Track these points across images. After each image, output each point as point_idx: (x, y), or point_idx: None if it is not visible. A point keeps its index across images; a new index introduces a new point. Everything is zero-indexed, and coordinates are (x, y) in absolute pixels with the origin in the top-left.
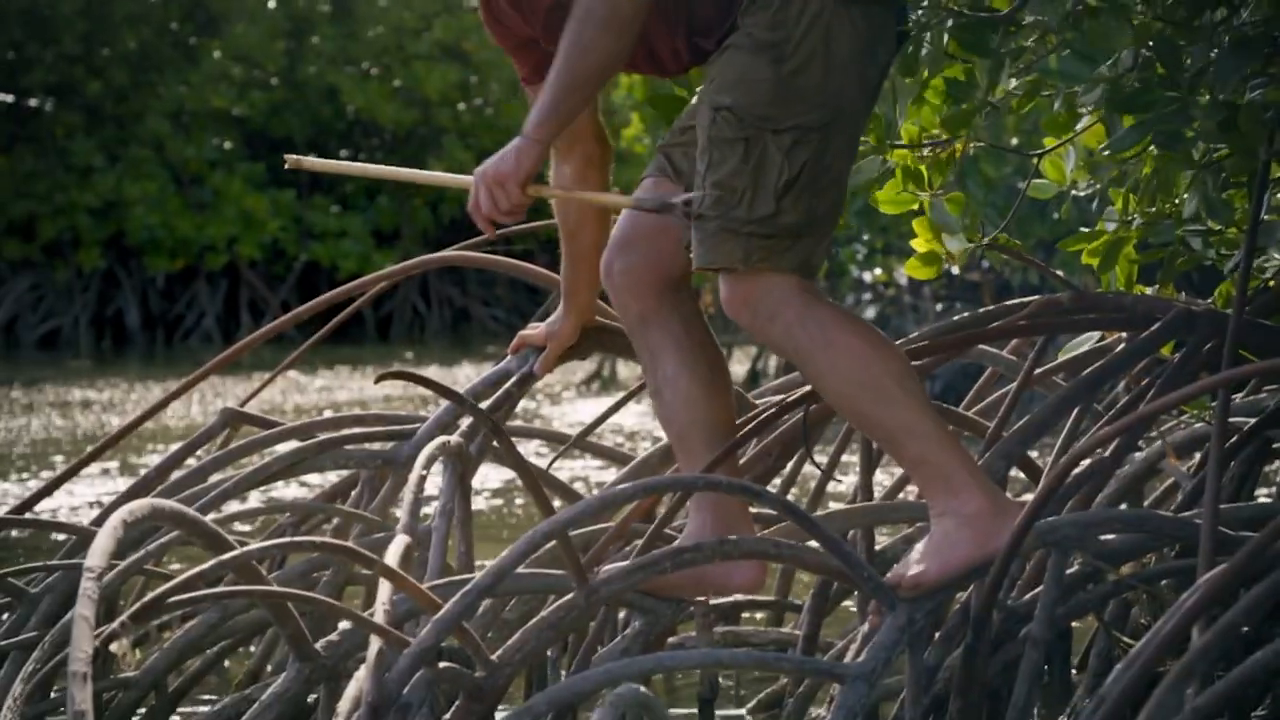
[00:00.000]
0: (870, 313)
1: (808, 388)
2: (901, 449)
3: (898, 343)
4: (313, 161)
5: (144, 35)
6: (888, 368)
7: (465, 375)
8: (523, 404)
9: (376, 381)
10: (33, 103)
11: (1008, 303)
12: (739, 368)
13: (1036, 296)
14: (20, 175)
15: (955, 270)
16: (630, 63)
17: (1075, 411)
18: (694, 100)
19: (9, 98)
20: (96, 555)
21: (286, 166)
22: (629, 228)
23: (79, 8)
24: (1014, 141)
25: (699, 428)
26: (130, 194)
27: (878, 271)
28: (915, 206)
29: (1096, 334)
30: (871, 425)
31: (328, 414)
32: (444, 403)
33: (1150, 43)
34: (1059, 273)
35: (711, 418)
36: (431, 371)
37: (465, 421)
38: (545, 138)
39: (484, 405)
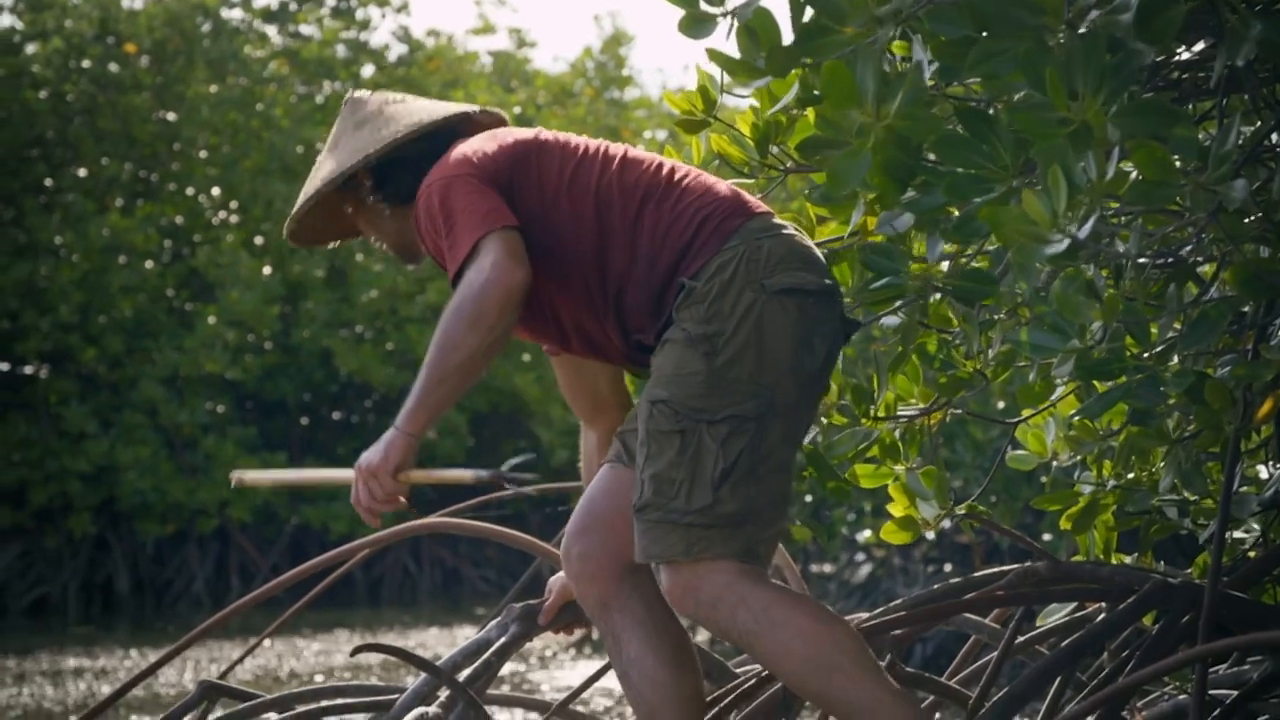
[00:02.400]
0: (861, 574)
1: None
2: None
3: (882, 609)
4: (255, 476)
5: (140, 303)
6: (839, 644)
7: (464, 635)
8: (513, 667)
9: (352, 654)
10: (28, 370)
11: (987, 571)
12: None
13: (1018, 565)
14: (12, 442)
15: (930, 535)
16: (577, 349)
17: (1057, 681)
18: None
19: (3, 365)
20: None
21: (234, 486)
22: (584, 514)
23: (76, 278)
24: (1000, 405)
25: (668, 707)
26: (122, 459)
27: (868, 533)
28: (889, 480)
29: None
30: (828, 702)
31: (320, 679)
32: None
33: (1118, 316)
34: (1045, 537)
35: (680, 695)
36: (423, 634)
37: (445, 692)
38: (416, 430)
39: (463, 675)
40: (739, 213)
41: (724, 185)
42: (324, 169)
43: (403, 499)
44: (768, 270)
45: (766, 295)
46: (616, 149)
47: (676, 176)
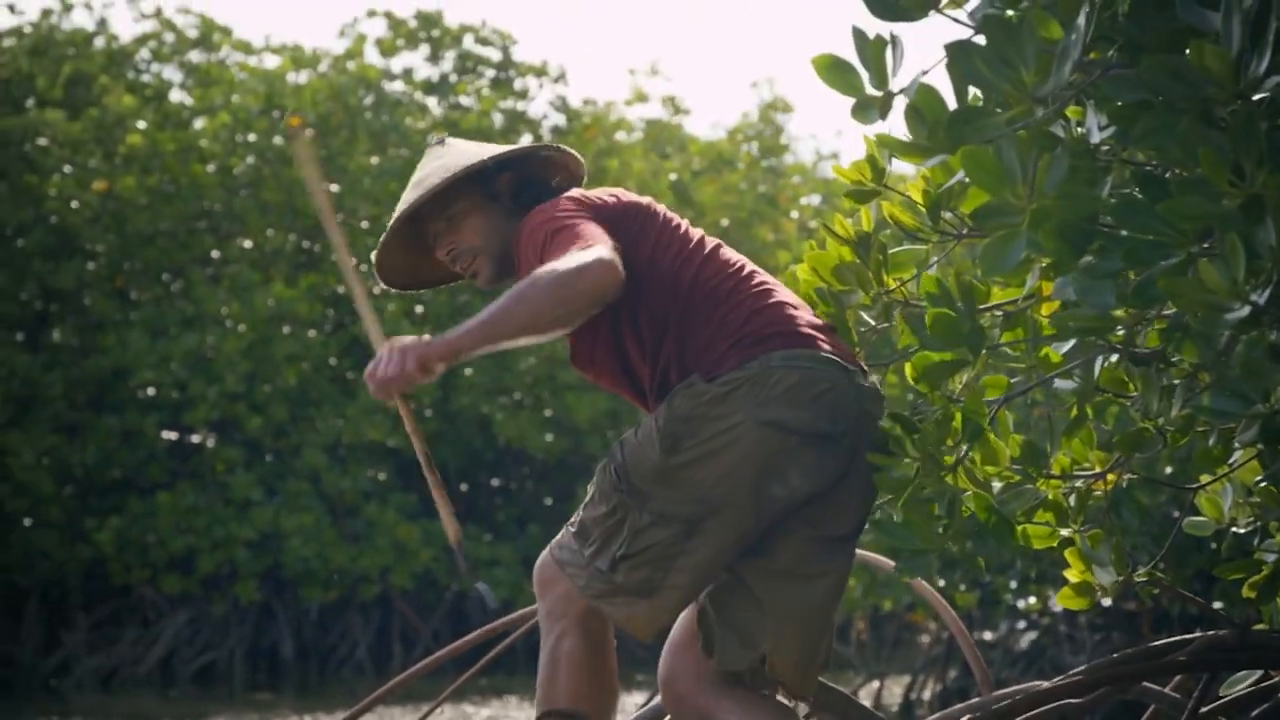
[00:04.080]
0: (1025, 641)
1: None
2: None
3: (1062, 676)
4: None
5: (303, 372)
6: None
7: (633, 703)
8: None
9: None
10: (195, 439)
11: (1169, 640)
12: (892, 696)
13: (1194, 631)
14: (181, 510)
15: (1107, 603)
16: (596, 371)
17: None
18: None
19: (173, 435)
20: None
21: (289, 130)
22: (666, 645)
23: (242, 348)
24: (1168, 470)
25: None
26: (287, 526)
27: (1031, 599)
28: (1056, 543)
29: (1259, 670)
30: None
31: None
32: None
33: None
34: (1216, 605)
35: None
36: None
37: None
38: (459, 348)
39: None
40: (777, 337)
41: (790, 304)
42: (430, 180)
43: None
44: (765, 399)
45: (751, 421)
46: (710, 243)
47: (751, 284)
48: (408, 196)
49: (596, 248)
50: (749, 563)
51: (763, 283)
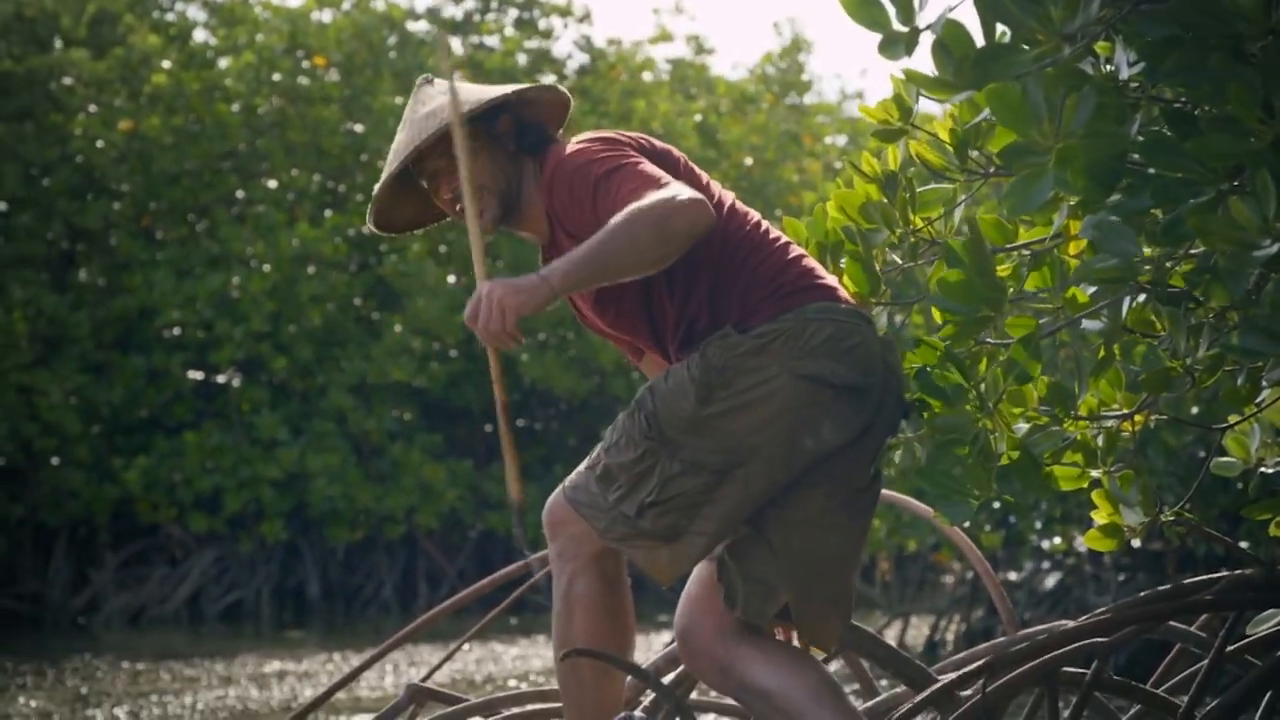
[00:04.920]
0: (1050, 582)
1: (988, 659)
2: None
3: (1088, 615)
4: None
5: (328, 312)
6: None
7: (660, 640)
8: None
9: (562, 659)
10: (220, 379)
11: (1196, 579)
12: (917, 636)
13: (1222, 571)
14: (207, 450)
15: (1136, 543)
16: (606, 322)
17: (1270, 692)
18: None
19: (199, 375)
20: None
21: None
22: (681, 601)
23: (267, 288)
24: (1194, 411)
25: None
26: (312, 466)
27: (1056, 540)
28: (1085, 484)
29: None
30: (563, 689)
31: (515, 684)
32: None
33: None
34: (1243, 545)
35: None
36: None
37: (648, 696)
38: (561, 289)
39: (667, 679)
40: (807, 290)
41: (807, 258)
42: (442, 114)
43: (517, 341)
44: (802, 352)
45: (788, 374)
46: (728, 196)
47: (770, 238)
48: (417, 129)
49: (681, 186)
50: (771, 514)
51: (780, 236)
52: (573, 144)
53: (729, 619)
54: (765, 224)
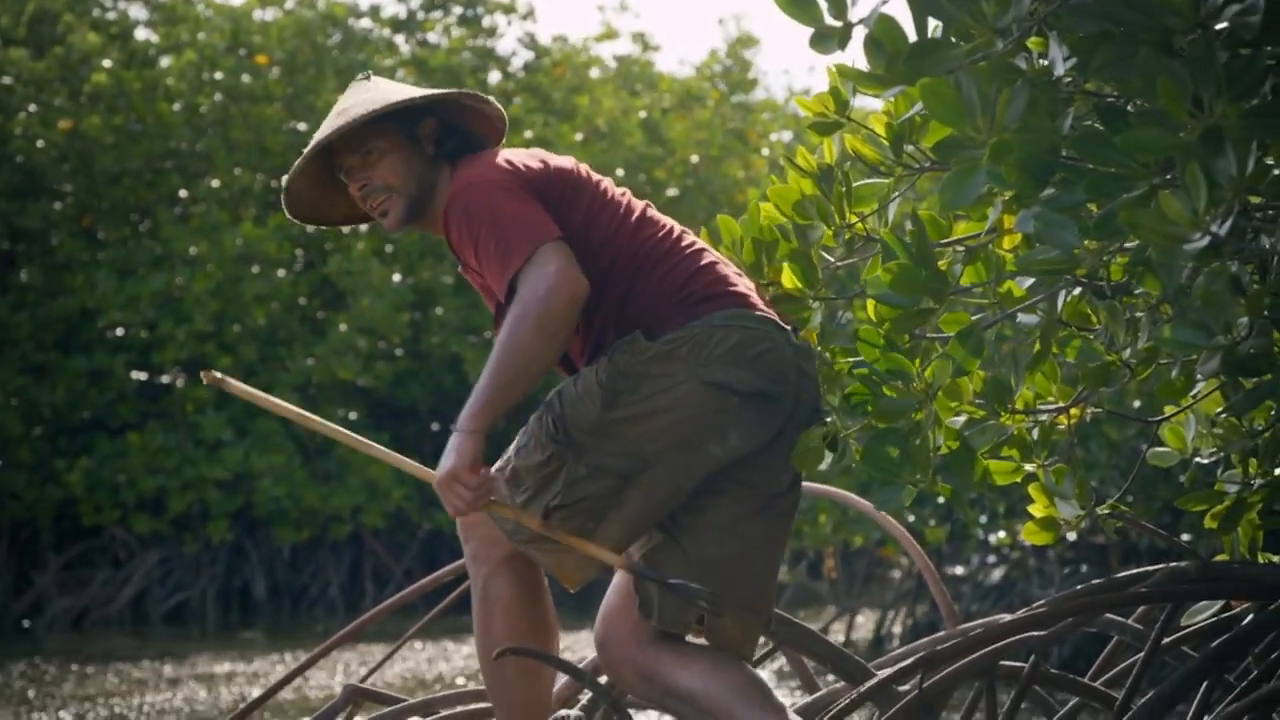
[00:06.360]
0: (995, 575)
1: (925, 654)
2: None
3: (1025, 609)
4: (236, 385)
5: (273, 311)
6: (508, 660)
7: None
8: None
9: (495, 658)
10: (164, 379)
11: (1133, 571)
12: (864, 630)
13: (1162, 564)
14: (151, 450)
15: (1072, 536)
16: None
17: (1205, 684)
18: None
19: (142, 375)
20: None
21: (205, 383)
22: (600, 613)
23: (211, 288)
24: (1136, 404)
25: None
26: (258, 466)
27: (1001, 534)
28: (1020, 478)
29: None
30: (491, 690)
31: (462, 683)
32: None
33: (1265, 311)
34: (1184, 537)
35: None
36: (565, 638)
37: (585, 696)
38: (481, 428)
39: (604, 678)
40: (718, 298)
41: (720, 265)
42: (354, 110)
43: (490, 490)
44: (708, 359)
45: (694, 380)
46: (638, 205)
47: (681, 245)
48: (328, 124)
49: (548, 256)
50: (684, 521)
51: (694, 243)
52: (478, 164)
53: (646, 627)
54: (679, 231)
